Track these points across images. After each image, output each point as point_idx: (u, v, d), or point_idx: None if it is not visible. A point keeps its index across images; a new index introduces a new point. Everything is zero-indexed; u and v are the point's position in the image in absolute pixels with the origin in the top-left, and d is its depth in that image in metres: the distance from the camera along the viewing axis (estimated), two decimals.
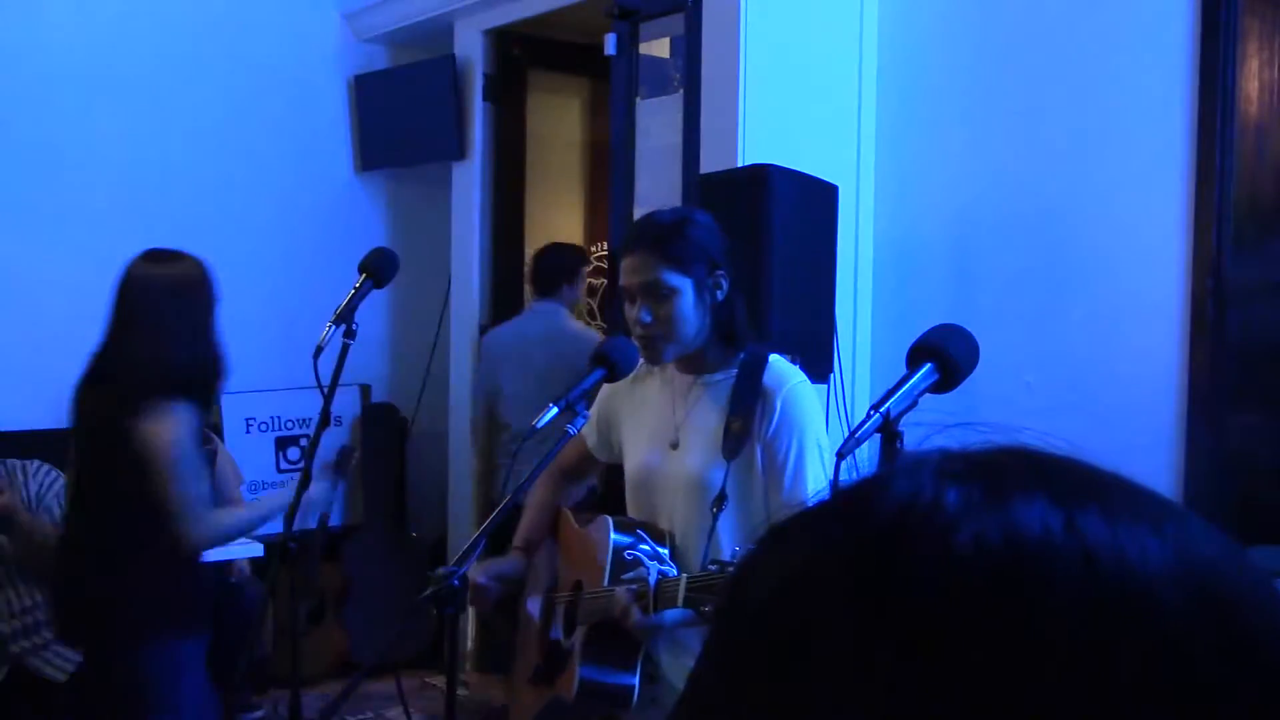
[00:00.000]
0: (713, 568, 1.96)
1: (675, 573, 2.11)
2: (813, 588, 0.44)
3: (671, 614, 2.02)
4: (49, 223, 5.03)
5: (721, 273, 2.22)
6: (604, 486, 3.59)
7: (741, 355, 2.25)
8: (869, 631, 0.41)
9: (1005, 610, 0.40)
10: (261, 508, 3.15)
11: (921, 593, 0.41)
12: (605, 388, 2.39)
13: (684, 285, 2.18)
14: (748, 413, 2.17)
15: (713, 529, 2.15)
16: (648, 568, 2.09)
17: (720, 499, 2.15)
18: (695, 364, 2.27)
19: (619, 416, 2.43)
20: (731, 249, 2.28)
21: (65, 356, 5.10)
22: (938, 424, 0.52)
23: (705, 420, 2.24)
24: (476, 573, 2.38)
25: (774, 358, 2.26)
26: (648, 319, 2.19)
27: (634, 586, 2.06)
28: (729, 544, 2.15)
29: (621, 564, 2.19)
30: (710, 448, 2.20)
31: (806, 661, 0.42)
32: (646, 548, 2.21)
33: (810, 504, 0.50)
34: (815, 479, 2.16)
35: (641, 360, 2.28)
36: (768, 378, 2.20)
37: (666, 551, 2.25)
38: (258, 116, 5.46)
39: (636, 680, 2.21)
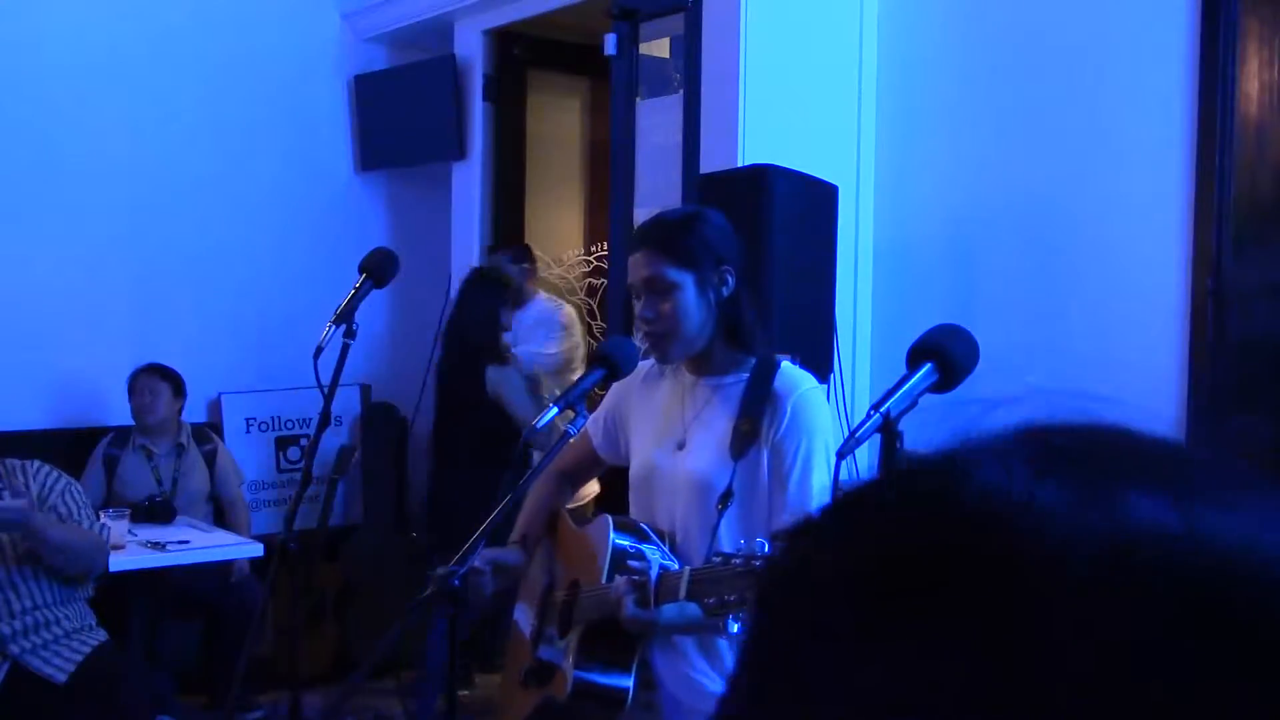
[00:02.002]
0: (716, 560, 1.95)
1: (678, 566, 2.10)
2: (889, 578, 0.40)
3: (670, 609, 2.01)
4: (49, 223, 5.03)
5: (728, 269, 2.21)
6: (604, 487, 3.59)
7: (753, 360, 2.25)
8: (954, 635, 0.37)
9: (1121, 619, 0.36)
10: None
11: (1020, 594, 0.37)
12: (617, 385, 2.39)
13: (685, 280, 2.18)
14: (757, 416, 2.17)
15: (717, 525, 2.15)
16: (649, 561, 2.09)
17: (726, 496, 2.15)
18: (705, 366, 2.27)
19: (630, 415, 2.42)
20: (741, 248, 2.28)
21: (65, 356, 5.13)
22: (1000, 397, 0.47)
23: (714, 422, 2.23)
24: (474, 559, 2.37)
25: (786, 363, 2.26)
26: (650, 314, 2.19)
27: (635, 577, 2.06)
28: (731, 543, 2.14)
29: (621, 563, 2.19)
30: (717, 450, 2.20)
31: (879, 657, 0.39)
32: (648, 546, 2.21)
33: (862, 486, 0.46)
34: (821, 486, 2.15)
35: (652, 360, 2.28)
36: (779, 382, 2.20)
37: (667, 550, 2.25)
38: (258, 116, 5.46)
39: (631, 682, 2.20)
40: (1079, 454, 0.41)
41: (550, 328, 4.97)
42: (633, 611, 2.03)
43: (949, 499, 0.40)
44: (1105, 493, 0.39)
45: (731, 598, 1.88)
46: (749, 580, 1.86)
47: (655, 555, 2.15)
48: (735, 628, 1.91)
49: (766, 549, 1.88)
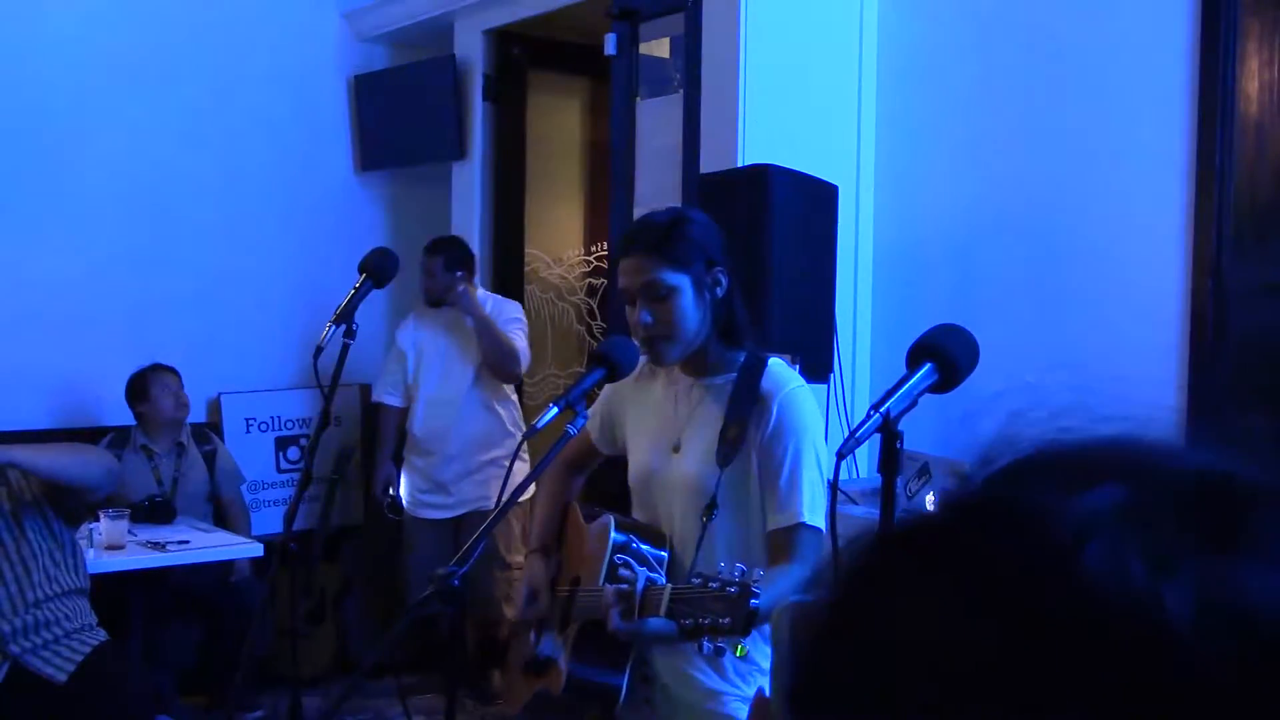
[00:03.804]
0: (695, 580, 1.95)
1: (663, 581, 2.10)
2: (1003, 656, 0.38)
3: (655, 623, 2.01)
4: (49, 223, 5.03)
5: (720, 269, 2.21)
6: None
7: (741, 357, 2.25)
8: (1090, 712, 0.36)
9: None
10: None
11: (1158, 698, 0.36)
12: (608, 387, 2.39)
13: (682, 283, 2.18)
14: (743, 418, 2.17)
15: (702, 537, 2.14)
16: (637, 573, 2.09)
17: (710, 507, 2.14)
18: (698, 365, 2.27)
19: (623, 416, 2.43)
20: (729, 246, 2.28)
21: (65, 356, 5.13)
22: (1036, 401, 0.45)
23: (706, 424, 2.23)
24: (529, 603, 2.42)
25: (773, 361, 2.25)
26: (648, 320, 2.18)
27: (623, 587, 2.06)
28: (724, 551, 2.14)
29: (617, 568, 2.19)
30: (710, 452, 2.20)
31: None
32: (644, 550, 2.21)
33: (947, 519, 0.43)
34: (811, 484, 2.15)
35: (644, 359, 2.28)
36: (765, 382, 2.19)
37: (665, 554, 2.25)
38: (258, 116, 5.46)
39: (624, 681, 2.21)
40: (1187, 519, 0.39)
41: (517, 323, 4.89)
42: (618, 624, 2.03)
43: (1065, 579, 0.38)
44: (1230, 579, 0.37)
45: (705, 620, 1.88)
46: (723, 605, 1.87)
47: (645, 566, 2.15)
48: (709, 649, 1.92)
49: (741, 575, 1.88)
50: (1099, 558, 0.38)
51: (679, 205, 2.29)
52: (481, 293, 4.88)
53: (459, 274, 4.79)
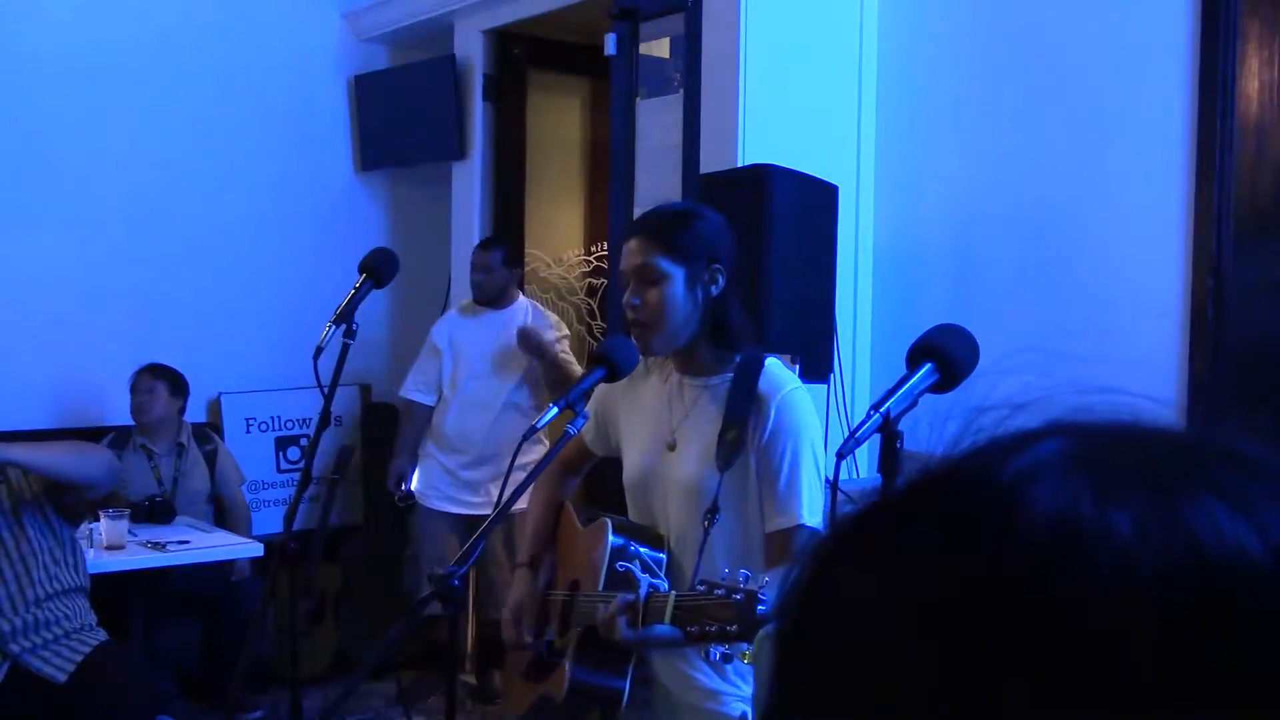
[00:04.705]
0: (700, 588, 1.95)
1: (666, 587, 2.10)
2: (949, 609, 0.37)
3: (660, 630, 2.01)
4: (49, 223, 5.04)
5: (719, 268, 2.21)
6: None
7: (738, 358, 2.24)
8: (1037, 670, 0.35)
9: (1214, 660, 0.34)
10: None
11: (1103, 636, 0.35)
12: (600, 387, 2.39)
13: (675, 272, 2.17)
14: (742, 420, 2.16)
15: (704, 542, 2.14)
16: (640, 579, 2.09)
17: (712, 511, 2.14)
18: (691, 364, 2.27)
19: (616, 416, 2.43)
20: (737, 251, 2.27)
21: (65, 356, 5.13)
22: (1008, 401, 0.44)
23: (702, 424, 2.23)
24: (517, 628, 2.41)
25: (770, 361, 2.25)
26: (636, 301, 2.19)
27: (629, 597, 2.06)
28: (723, 555, 2.14)
29: (616, 574, 2.19)
30: (706, 453, 2.19)
31: (934, 693, 0.36)
32: (644, 555, 2.21)
33: (889, 500, 0.42)
34: (810, 486, 2.15)
35: (641, 359, 2.28)
36: (763, 383, 2.19)
37: (664, 557, 2.25)
38: (258, 117, 5.46)
39: (627, 684, 2.21)
40: (1135, 465, 0.38)
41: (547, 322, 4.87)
42: (625, 632, 2.03)
43: (1010, 523, 0.37)
44: (1177, 514, 0.36)
45: (711, 628, 1.89)
46: (730, 613, 1.87)
47: (646, 575, 2.14)
48: (717, 655, 1.92)
49: (746, 582, 1.88)
50: (1043, 497, 0.37)
51: (698, 202, 2.29)
52: (521, 298, 4.83)
53: (515, 271, 4.77)
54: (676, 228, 2.19)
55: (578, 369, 4.57)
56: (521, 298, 4.84)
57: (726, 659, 1.94)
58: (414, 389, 4.88)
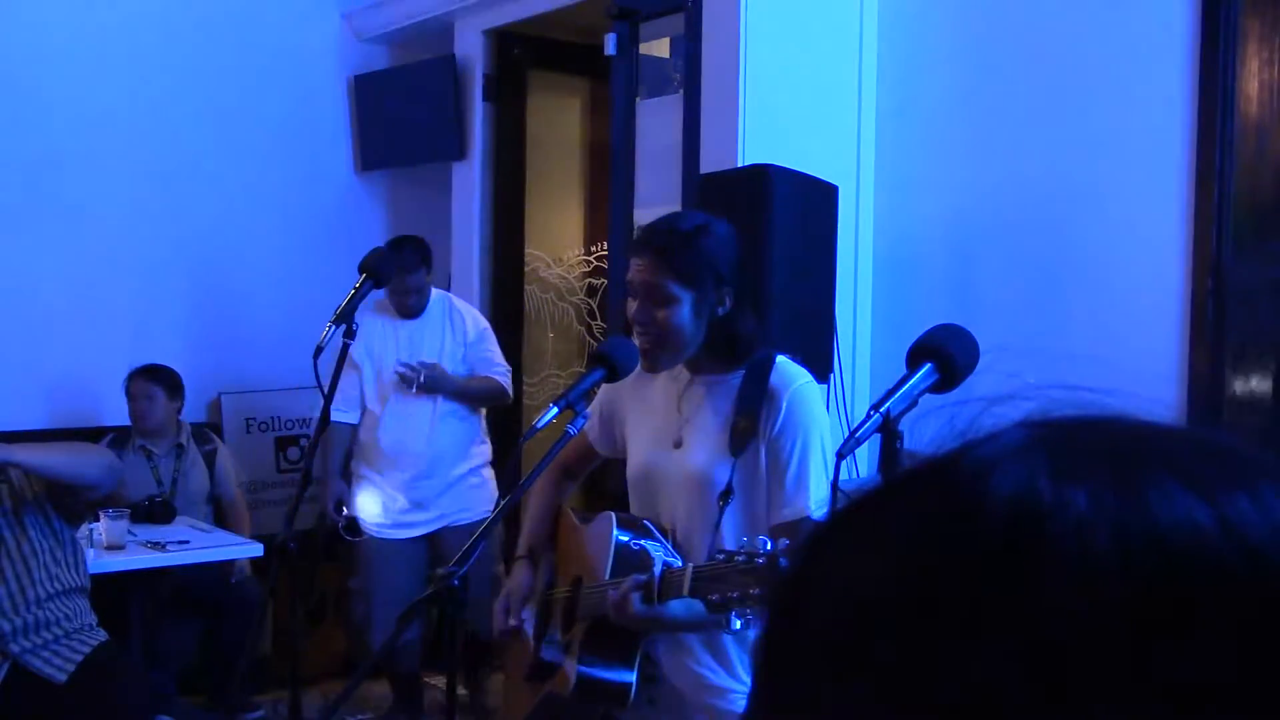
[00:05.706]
0: (719, 557, 1.96)
1: (680, 563, 2.11)
2: (910, 591, 0.38)
3: (677, 605, 2.02)
4: (49, 223, 5.04)
5: (728, 289, 2.21)
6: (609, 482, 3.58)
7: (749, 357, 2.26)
8: (995, 650, 0.36)
9: (1167, 628, 0.35)
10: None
11: (1061, 607, 0.36)
12: (605, 387, 2.40)
13: (684, 297, 2.18)
14: (754, 412, 2.17)
15: (718, 522, 2.15)
16: (653, 558, 2.10)
17: (727, 493, 2.15)
18: (700, 363, 2.28)
19: (622, 413, 2.43)
20: (744, 263, 2.27)
21: (65, 356, 5.13)
22: (990, 396, 0.46)
23: (709, 419, 2.24)
24: (505, 615, 2.41)
25: (781, 359, 2.26)
26: (644, 320, 2.20)
27: (641, 577, 2.06)
28: (732, 540, 2.14)
29: (624, 559, 2.19)
30: (714, 446, 2.20)
31: (897, 675, 0.37)
32: (651, 543, 2.21)
33: (872, 491, 0.44)
34: (818, 480, 2.16)
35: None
36: (774, 378, 2.20)
37: (670, 547, 2.25)
38: (258, 116, 5.46)
39: (634, 677, 2.21)
40: (1097, 448, 0.40)
41: (490, 338, 4.65)
42: (640, 608, 2.03)
43: (973, 506, 0.39)
44: (1133, 490, 0.38)
45: (734, 595, 1.89)
46: (752, 578, 1.87)
47: (659, 552, 2.16)
48: (738, 624, 1.92)
49: (769, 546, 1.89)
50: (1004, 481, 0.39)
51: (707, 215, 2.27)
52: (439, 294, 4.59)
53: (433, 272, 4.53)
54: (688, 250, 2.18)
55: (479, 382, 4.46)
56: (435, 291, 4.56)
57: (749, 625, 1.93)
58: (339, 409, 4.18)
